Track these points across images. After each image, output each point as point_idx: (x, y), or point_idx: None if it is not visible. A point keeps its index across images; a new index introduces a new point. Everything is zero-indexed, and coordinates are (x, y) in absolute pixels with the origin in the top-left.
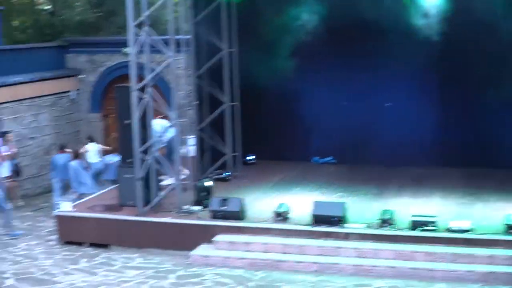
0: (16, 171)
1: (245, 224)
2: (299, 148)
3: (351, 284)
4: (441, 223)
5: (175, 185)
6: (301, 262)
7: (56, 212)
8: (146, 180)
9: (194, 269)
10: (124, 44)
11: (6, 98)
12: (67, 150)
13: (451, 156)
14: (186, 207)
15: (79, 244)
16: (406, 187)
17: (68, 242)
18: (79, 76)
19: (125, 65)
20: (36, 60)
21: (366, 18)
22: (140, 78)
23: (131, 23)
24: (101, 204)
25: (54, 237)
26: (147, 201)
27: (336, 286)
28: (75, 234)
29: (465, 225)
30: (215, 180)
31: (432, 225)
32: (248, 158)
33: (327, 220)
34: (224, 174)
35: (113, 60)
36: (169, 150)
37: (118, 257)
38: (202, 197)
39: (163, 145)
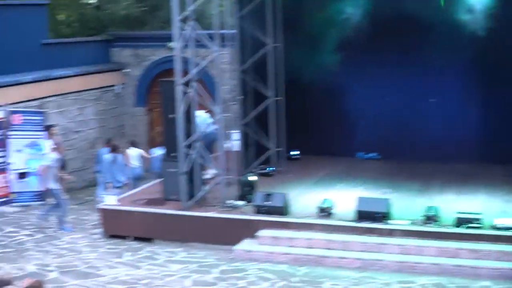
0: (61, 165)
1: (289, 219)
2: (344, 144)
3: (395, 280)
4: (485, 220)
5: (219, 179)
6: (344, 258)
7: (100, 205)
8: (190, 174)
9: (237, 263)
10: (168, 38)
11: (51, 91)
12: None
13: (496, 153)
14: (230, 201)
15: (123, 237)
16: (450, 183)
17: (112, 235)
18: (124, 70)
19: (169, 60)
20: (81, 54)
21: (411, 13)
22: (185, 72)
23: (176, 18)
24: (145, 198)
25: (98, 230)
26: (191, 195)
27: (380, 282)
28: (119, 228)
29: (510, 222)
30: (259, 175)
31: (477, 222)
32: (292, 153)
33: (371, 216)
34: (268, 169)
35: (157, 54)
36: (207, 144)
37: (162, 251)
38: (246, 192)
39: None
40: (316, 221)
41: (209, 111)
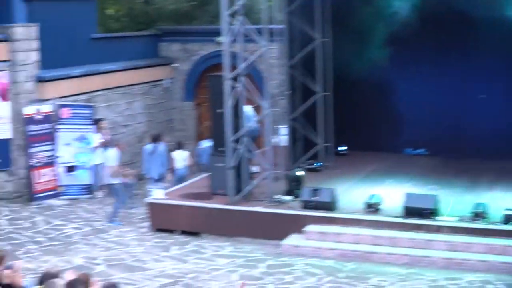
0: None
1: (336, 215)
2: (391, 139)
3: (442, 277)
4: None
5: (266, 174)
6: (391, 254)
7: (148, 199)
8: (238, 169)
9: (284, 258)
10: (217, 33)
11: (99, 86)
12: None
13: None
14: (277, 196)
15: (171, 231)
16: (498, 180)
17: (159, 229)
18: (173, 65)
19: (218, 54)
20: (130, 48)
21: (460, 7)
22: (233, 67)
23: (225, 12)
24: (193, 192)
25: (146, 224)
26: (238, 190)
27: (427, 279)
28: (166, 222)
29: None
30: (307, 170)
31: None
32: (340, 148)
33: (418, 213)
34: (315, 164)
35: (206, 49)
36: (252, 139)
37: (209, 245)
38: (294, 187)
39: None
40: (363, 216)
41: (257, 106)
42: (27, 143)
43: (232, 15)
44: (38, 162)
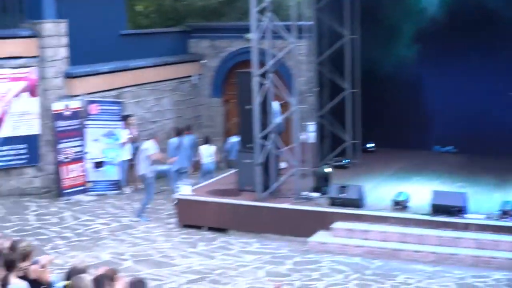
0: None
1: (364, 212)
2: (420, 137)
3: (469, 275)
4: None
5: (294, 171)
6: (419, 251)
7: (176, 195)
8: (265, 165)
9: (311, 255)
10: (246, 30)
11: (128, 82)
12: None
13: None
14: (304, 193)
15: (198, 227)
16: None
17: (186, 225)
18: (201, 61)
19: (246, 51)
20: (159, 45)
21: (488, 4)
22: (261, 64)
23: (253, 9)
24: (220, 189)
25: (173, 220)
26: (266, 187)
27: (454, 277)
28: (194, 218)
29: None
30: (334, 167)
31: None
32: (367, 145)
33: (446, 210)
34: (343, 161)
35: (234, 45)
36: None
37: (236, 241)
38: (321, 183)
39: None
40: (390, 214)
41: (285, 103)
42: (56, 139)
43: (261, 11)
44: (67, 157)
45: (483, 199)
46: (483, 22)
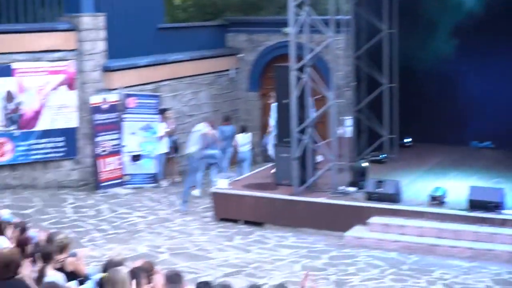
0: (175, 148)
1: (400, 207)
2: (457, 132)
3: (505, 271)
4: None
5: (331, 165)
6: (455, 247)
7: (212, 189)
8: (302, 159)
9: (347, 250)
10: (283, 24)
11: (166, 75)
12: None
13: None
14: (341, 188)
15: (234, 221)
16: None
17: (223, 219)
18: (238, 55)
19: (284, 45)
20: (197, 38)
21: None
22: (299, 58)
23: (291, 3)
24: (257, 183)
25: (209, 213)
26: (302, 181)
27: (490, 272)
28: (230, 211)
29: None
30: (371, 161)
31: None
32: (405, 140)
33: (483, 206)
34: (380, 156)
35: (272, 39)
36: None
37: (272, 235)
38: (358, 178)
39: None
40: (427, 209)
41: (322, 97)
42: (93, 132)
43: (299, 5)
44: (104, 150)
45: None
46: None
